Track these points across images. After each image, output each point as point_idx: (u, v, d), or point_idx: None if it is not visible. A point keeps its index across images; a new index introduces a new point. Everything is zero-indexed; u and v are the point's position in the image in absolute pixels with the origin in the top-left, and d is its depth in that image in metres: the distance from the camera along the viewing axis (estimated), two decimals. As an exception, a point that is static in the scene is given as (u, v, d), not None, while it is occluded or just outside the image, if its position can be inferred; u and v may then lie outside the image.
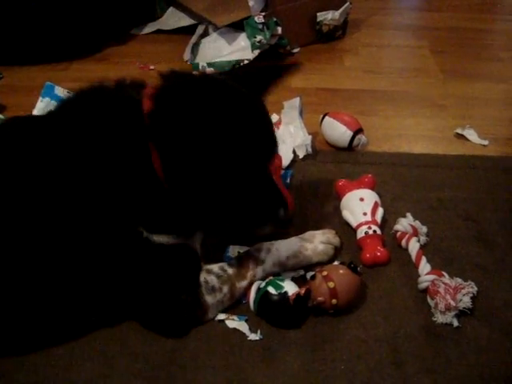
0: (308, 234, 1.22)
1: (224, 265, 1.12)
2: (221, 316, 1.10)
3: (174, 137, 0.98)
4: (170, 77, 1.08)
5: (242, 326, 1.08)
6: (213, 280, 1.08)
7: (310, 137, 1.59)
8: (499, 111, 1.88)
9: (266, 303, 1.07)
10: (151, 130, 0.99)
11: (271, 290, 1.07)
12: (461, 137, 1.72)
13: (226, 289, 1.09)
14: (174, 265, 1.05)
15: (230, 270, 1.11)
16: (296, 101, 1.63)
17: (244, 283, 1.11)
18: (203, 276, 1.08)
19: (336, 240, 1.23)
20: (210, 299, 1.07)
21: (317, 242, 1.20)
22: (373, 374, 1.01)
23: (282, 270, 1.16)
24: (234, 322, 1.08)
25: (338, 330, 1.09)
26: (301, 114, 1.63)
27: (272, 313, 1.07)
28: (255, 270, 1.13)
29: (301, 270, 1.19)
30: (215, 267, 1.11)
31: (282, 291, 1.07)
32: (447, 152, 1.64)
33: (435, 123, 1.80)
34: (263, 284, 1.10)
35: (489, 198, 1.44)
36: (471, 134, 1.72)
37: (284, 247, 1.17)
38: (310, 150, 1.57)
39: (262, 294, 1.08)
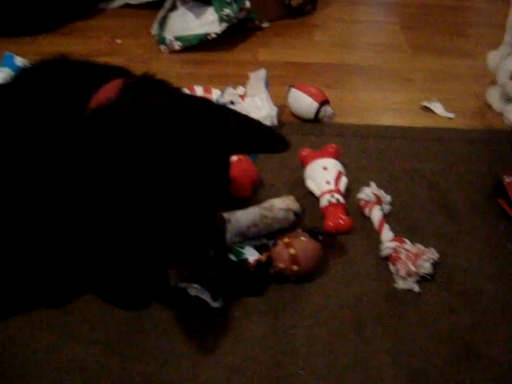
0: (267, 203, 1.21)
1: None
2: (182, 284, 1.09)
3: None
4: (138, 87, 0.94)
5: (204, 294, 1.07)
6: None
7: (276, 108, 1.58)
8: (466, 86, 1.88)
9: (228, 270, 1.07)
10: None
11: (232, 257, 1.06)
12: (427, 110, 1.73)
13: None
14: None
15: None
16: (262, 72, 1.62)
17: None
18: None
19: (295, 205, 1.22)
20: (171, 270, 1.06)
21: (276, 209, 1.19)
22: (334, 340, 1.02)
23: (243, 239, 1.16)
24: (196, 290, 1.08)
25: (301, 297, 1.09)
26: (266, 86, 1.62)
27: (233, 280, 1.07)
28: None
29: (263, 238, 1.18)
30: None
31: (243, 258, 1.06)
32: (413, 124, 1.65)
33: (402, 97, 1.80)
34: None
35: (453, 169, 1.45)
36: (437, 107, 1.73)
37: (243, 217, 1.16)
38: (275, 121, 1.56)
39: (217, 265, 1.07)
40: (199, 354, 0.98)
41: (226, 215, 1.14)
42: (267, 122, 1.55)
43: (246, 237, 1.16)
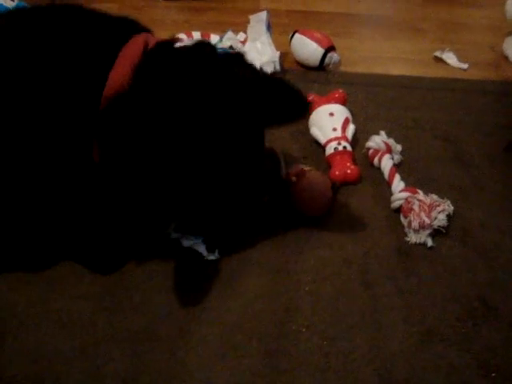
0: None
1: None
2: (175, 234, 1.00)
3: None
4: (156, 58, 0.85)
5: (199, 246, 0.98)
6: None
7: (278, 53, 1.47)
8: (481, 36, 1.77)
9: None
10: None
11: None
12: (439, 60, 1.62)
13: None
14: None
15: None
16: (263, 14, 1.50)
17: None
18: None
19: None
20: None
21: None
22: (340, 296, 0.93)
23: None
24: (190, 241, 0.99)
25: (303, 250, 1.00)
26: (268, 28, 1.50)
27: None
28: None
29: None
30: None
31: None
32: (424, 75, 1.54)
33: (413, 46, 1.69)
34: None
35: (467, 120, 1.35)
36: (450, 58, 1.62)
37: None
38: (278, 67, 1.45)
39: None
40: (192, 310, 0.90)
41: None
42: (269, 68, 1.44)
43: None
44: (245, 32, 1.56)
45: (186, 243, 0.99)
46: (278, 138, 1.22)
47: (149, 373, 0.82)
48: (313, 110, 1.22)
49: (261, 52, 1.46)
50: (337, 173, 1.10)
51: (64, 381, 0.81)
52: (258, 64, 1.43)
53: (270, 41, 1.49)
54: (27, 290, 0.93)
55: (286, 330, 0.87)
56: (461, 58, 1.62)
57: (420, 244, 1.01)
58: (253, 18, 1.52)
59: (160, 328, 0.87)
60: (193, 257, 0.97)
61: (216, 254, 0.97)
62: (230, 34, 1.51)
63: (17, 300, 0.91)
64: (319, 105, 1.22)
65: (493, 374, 0.83)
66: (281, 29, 1.66)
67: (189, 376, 0.81)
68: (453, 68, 1.59)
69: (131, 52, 0.84)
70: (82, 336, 0.86)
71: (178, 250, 0.98)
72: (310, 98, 1.24)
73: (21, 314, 0.89)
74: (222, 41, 1.48)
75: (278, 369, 0.82)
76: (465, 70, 1.59)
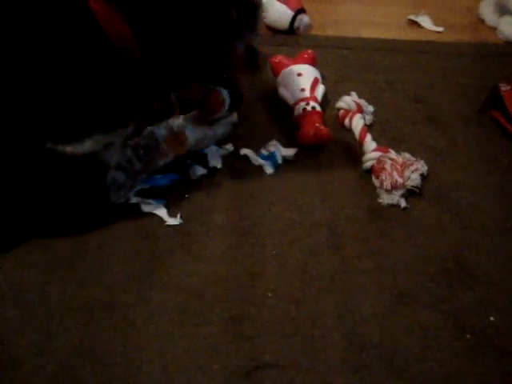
0: None
1: (132, 158, 0.94)
2: (134, 199, 0.94)
3: None
4: None
5: (159, 210, 0.93)
6: (120, 177, 0.91)
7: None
8: (456, 1, 1.72)
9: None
10: None
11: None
12: (414, 24, 1.58)
13: (130, 182, 0.93)
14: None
15: (139, 165, 0.94)
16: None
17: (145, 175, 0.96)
18: (111, 174, 0.90)
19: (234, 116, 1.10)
20: (114, 197, 0.92)
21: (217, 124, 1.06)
22: (308, 259, 0.88)
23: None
24: (150, 206, 0.93)
25: (271, 212, 0.95)
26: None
27: None
28: (159, 164, 0.97)
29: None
30: (123, 161, 0.92)
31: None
32: (398, 38, 1.49)
33: (386, 10, 1.64)
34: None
35: (440, 82, 1.31)
36: (425, 21, 1.58)
37: (189, 135, 1.01)
38: None
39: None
40: (151, 277, 0.84)
41: None
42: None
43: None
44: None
45: (146, 208, 0.93)
46: (247, 103, 1.16)
47: (105, 341, 0.76)
48: (280, 72, 1.16)
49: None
50: (306, 133, 1.05)
51: (13, 352, 0.75)
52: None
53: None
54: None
55: (250, 295, 0.82)
56: (436, 22, 1.58)
57: (393, 205, 0.97)
58: None
59: (117, 296, 0.82)
60: (153, 222, 0.92)
61: (178, 218, 0.92)
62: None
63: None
64: (287, 65, 1.16)
65: (467, 336, 0.79)
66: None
67: (146, 344, 0.76)
68: (428, 31, 1.55)
69: None
70: (33, 306, 0.81)
71: (138, 215, 0.93)
72: (277, 59, 1.18)
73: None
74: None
75: (241, 335, 0.78)
76: (440, 32, 1.55)
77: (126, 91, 0.87)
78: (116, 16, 0.81)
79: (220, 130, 1.07)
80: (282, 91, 1.14)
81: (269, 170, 1.03)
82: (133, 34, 0.82)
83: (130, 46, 0.83)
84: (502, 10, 1.54)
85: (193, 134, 1.02)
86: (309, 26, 1.46)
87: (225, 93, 1.01)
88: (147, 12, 0.82)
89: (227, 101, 1.02)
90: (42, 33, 0.79)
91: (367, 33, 1.51)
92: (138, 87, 0.88)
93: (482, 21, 1.61)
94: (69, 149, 0.84)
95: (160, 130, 0.97)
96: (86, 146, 0.85)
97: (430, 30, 1.55)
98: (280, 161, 1.04)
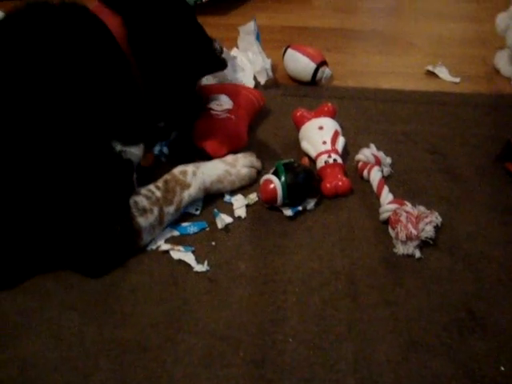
0: (231, 158, 1.16)
1: (151, 187, 1.04)
2: (165, 246, 1.01)
3: (151, 45, 1.03)
4: None
5: (188, 257, 1.00)
6: (142, 201, 1.00)
7: (269, 60, 1.52)
8: (472, 50, 1.79)
9: (295, 185, 1.07)
10: (130, 40, 1.00)
11: (289, 175, 1.07)
12: (431, 74, 1.64)
13: (156, 211, 1.01)
14: (108, 186, 0.96)
15: (158, 193, 1.03)
16: (251, 25, 1.54)
17: (171, 209, 1.04)
18: (132, 198, 0.99)
19: (258, 163, 1.18)
20: (142, 221, 0.99)
21: (240, 165, 1.14)
22: (327, 307, 0.94)
23: (206, 194, 1.11)
24: (179, 253, 1.00)
25: (292, 261, 1.01)
26: (258, 38, 1.54)
27: (303, 188, 1.09)
28: (182, 196, 1.05)
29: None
30: (142, 189, 1.02)
31: (297, 167, 1.09)
32: (416, 88, 1.56)
33: (405, 61, 1.71)
34: (273, 178, 1.07)
35: (457, 133, 1.37)
36: (442, 72, 1.64)
37: (209, 171, 1.10)
38: (270, 73, 1.49)
39: (287, 182, 1.07)
40: (180, 321, 0.91)
41: (192, 168, 1.09)
42: (262, 76, 1.47)
43: (209, 192, 1.11)
44: (237, 47, 1.59)
45: (176, 255, 1.00)
46: (268, 152, 1.24)
47: (136, 382, 0.82)
48: (302, 125, 1.23)
49: (253, 61, 1.49)
50: (328, 185, 1.12)
51: (51, 391, 0.82)
52: (251, 73, 1.47)
53: (260, 49, 1.52)
54: (18, 300, 0.94)
55: (272, 340, 0.88)
56: (453, 72, 1.64)
57: (408, 255, 1.02)
58: (242, 29, 1.55)
59: (148, 338, 0.88)
60: (182, 269, 0.98)
61: (205, 265, 0.98)
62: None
63: (8, 309, 0.92)
64: (308, 119, 1.23)
65: (478, 384, 0.83)
66: (274, 44, 1.69)
67: (175, 386, 0.82)
68: (445, 82, 1.61)
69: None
70: (70, 346, 0.87)
71: (168, 262, 0.99)
72: (299, 113, 1.26)
73: (12, 323, 0.90)
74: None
75: (263, 378, 0.83)
76: (457, 83, 1.61)
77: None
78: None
79: (244, 170, 1.14)
80: (305, 144, 1.21)
81: (288, 212, 1.09)
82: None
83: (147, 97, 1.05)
84: (517, 61, 1.60)
85: (214, 170, 1.11)
86: (330, 78, 1.54)
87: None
88: (156, 64, 1.05)
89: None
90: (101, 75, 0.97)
91: (386, 83, 1.58)
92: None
93: (497, 71, 1.66)
94: (134, 150, 1.01)
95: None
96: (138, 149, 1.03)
97: (447, 81, 1.61)
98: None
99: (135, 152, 1.03)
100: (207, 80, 1.38)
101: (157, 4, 1.06)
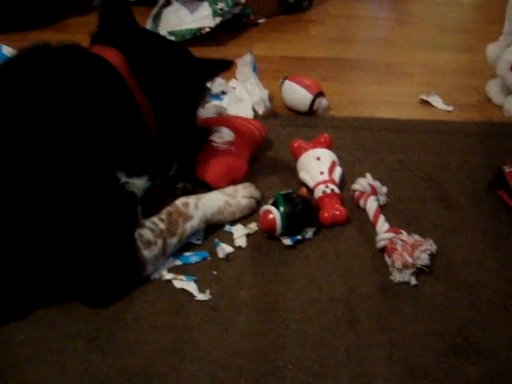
0: (231, 189, 1.19)
1: (155, 219, 1.07)
2: (168, 276, 1.04)
3: (157, 80, 1.10)
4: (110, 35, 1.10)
5: (190, 286, 1.02)
6: (147, 234, 1.03)
7: (267, 91, 1.57)
8: (465, 80, 1.85)
9: (294, 215, 1.11)
10: (138, 77, 1.06)
11: (288, 205, 1.11)
12: (425, 103, 1.69)
13: (160, 243, 1.04)
14: (113, 219, 0.99)
15: (162, 225, 1.06)
16: (247, 56, 1.59)
17: (174, 240, 1.07)
18: (137, 231, 1.02)
19: (257, 193, 1.21)
20: (146, 254, 1.01)
21: (239, 196, 1.18)
22: (325, 334, 0.96)
23: (206, 225, 1.14)
24: (182, 282, 1.03)
25: (291, 289, 1.04)
26: (254, 69, 1.59)
27: (302, 218, 1.13)
28: (184, 227, 1.08)
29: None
30: (146, 222, 1.05)
31: (296, 197, 1.13)
32: (411, 117, 1.60)
33: (399, 90, 1.77)
34: (272, 209, 1.11)
35: (451, 161, 1.41)
36: (436, 101, 1.69)
37: (210, 203, 1.14)
38: (268, 104, 1.53)
39: (286, 213, 1.10)
40: (183, 349, 0.93)
41: (194, 200, 1.13)
42: (260, 107, 1.52)
43: (210, 223, 1.15)
44: (236, 78, 1.64)
45: (178, 284, 1.03)
46: (267, 182, 1.27)
47: (141, 411, 0.85)
48: (300, 156, 1.27)
49: (250, 92, 1.54)
50: (325, 215, 1.15)
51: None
52: (249, 104, 1.51)
53: (258, 81, 1.57)
54: (24, 329, 0.96)
55: (273, 367, 0.90)
56: (446, 101, 1.69)
57: (404, 282, 1.05)
58: (239, 61, 1.60)
59: (152, 366, 0.90)
60: (184, 297, 1.01)
61: (207, 294, 1.01)
62: (218, 80, 1.58)
63: (14, 338, 0.94)
64: (306, 150, 1.27)
65: (473, 410, 0.85)
66: (272, 74, 1.73)
67: (179, 413, 0.84)
68: (438, 110, 1.66)
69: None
70: (76, 374, 0.89)
71: (171, 291, 1.02)
72: (297, 144, 1.30)
73: (18, 353, 0.92)
74: (212, 87, 1.55)
75: (265, 405, 0.85)
76: (450, 111, 1.65)
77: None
78: (151, 112, 1.07)
79: (243, 201, 1.18)
80: (303, 174, 1.25)
81: (287, 242, 1.12)
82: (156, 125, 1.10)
83: (153, 132, 1.10)
84: (508, 90, 1.64)
85: (215, 202, 1.14)
86: (327, 108, 1.58)
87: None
88: (169, 113, 1.12)
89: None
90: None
91: (382, 112, 1.63)
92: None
93: (489, 99, 1.71)
94: (137, 182, 1.05)
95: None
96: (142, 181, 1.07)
97: (441, 109, 1.66)
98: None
99: (139, 184, 1.06)
100: (208, 112, 1.42)
101: (153, 40, 1.16)
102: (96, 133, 0.97)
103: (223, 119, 1.38)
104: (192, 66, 1.16)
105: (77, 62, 1.02)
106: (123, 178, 1.02)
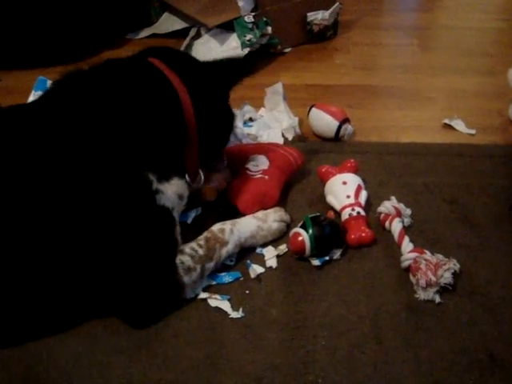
0: (262, 213, 1.25)
1: (194, 245, 1.13)
2: (203, 295, 1.10)
3: (206, 95, 1.22)
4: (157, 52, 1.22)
5: (224, 305, 1.08)
6: (188, 260, 1.09)
7: (297, 118, 1.63)
8: (488, 103, 1.88)
9: (322, 237, 1.16)
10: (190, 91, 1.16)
11: (316, 227, 1.16)
12: (448, 127, 1.73)
13: (198, 268, 1.10)
14: (155, 246, 1.06)
15: (201, 251, 1.12)
16: (278, 86, 1.66)
17: (211, 265, 1.13)
18: (178, 257, 1.09)
19: (287, 217, 1.27)
20: (186, 279, 1.08)
21: (270, 220, 1.24)
22: (354, 350, 1.01)
23: (239, 249, 1.20)
24: (216, 301, 1.09)
25: (320, 307, 1.09)
26: (284, 98, 1.66)
27: (330, 239, 1.18)
28: (220, 252, 1.14)
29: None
30: (186, 248, 1.11)
31: (324, 220, 1.18)
32: (434, 141, 1.65)
33: (423, 115, 1.81)
34: (301, 231, 1.16)
35: (474, 183, 1.44)
36: (459, 124, 1.73)
37: (243, 228, 1.19)
38: (298, 130, 1.61)
39: (315, 235, 1.15)
40: (217, 363, 0.99)
41: (228, 226, 1.19)
42: (290, 133, 1.59)
43: (243, 247, 1.20)
44: (264, 106, 1.71)
45: (213, 303, 1.09)
46: (295, 206, 1.34)
47: (179, 421, 0.90)
48: (327, 180, 1.33)
49: (279, 120, 1.61)
50: (352, 236, 1.21)
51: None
52: (279, 131, 1.59)
53: (288, 108, 1.64)
54: (69, 344, 1.03)
55: (303, 381, 0.96)
56: (469, 124, 1.73)
57: (428, 300, 1.09)
58: (269, 90, 1.68)
59: (189, 379, 0.96)
60: (219, 315, 1.07)
61: (240, 312, 1.07)
62: (247, 107, 1.66)
63: (59, 352, 1.01)
64: (333, 174, 1.33)
65: (497, 424, 0.89)
66: (300, 102, 1.80)
67: (215, 424, 0.89)
68: (461, 134, 1.70)
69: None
70: (119, 388, 0.96)
71: (206, 309, 1.09)
72: (324, 169, 1.36)
73: (62, 366, 0.99)
74: (241, 114, 1.63)
75: (296, 417, 0.90)
76: (473, 135, 1.69)
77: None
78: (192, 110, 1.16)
79: (274, 225, 1.24)
80: (330, 198, 1.31)
81: (316, 262, 1.17)
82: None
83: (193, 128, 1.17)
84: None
85: (248, 227, 1.20)
86: (353, 134, 1.64)
87: None
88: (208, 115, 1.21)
89: None
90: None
91: (406, 137, 1.67)
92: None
93: (511, 122, 1.75)
94: (167, 186, 1.09)
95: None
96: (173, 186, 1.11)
97: (464, 133, 1.70)
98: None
99: (169, 193, 1.10)
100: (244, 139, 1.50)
101: (204, 68, 1.26)
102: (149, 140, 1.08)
103: (260, 147, 1.44)
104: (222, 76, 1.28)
105: (145, 78, 1.14)
106: (154, 185, 1.07)
